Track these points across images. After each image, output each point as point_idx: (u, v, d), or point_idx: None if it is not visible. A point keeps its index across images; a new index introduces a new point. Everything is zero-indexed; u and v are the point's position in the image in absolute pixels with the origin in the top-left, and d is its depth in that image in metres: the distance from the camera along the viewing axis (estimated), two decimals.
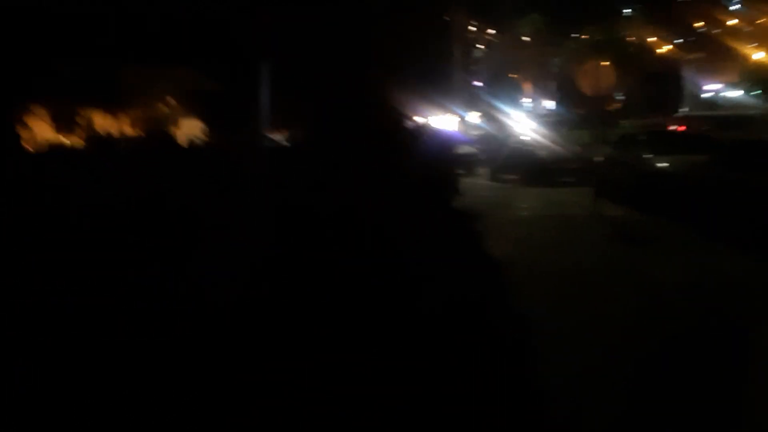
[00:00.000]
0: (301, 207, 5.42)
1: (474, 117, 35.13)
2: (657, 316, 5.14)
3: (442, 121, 27.39)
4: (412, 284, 4.52)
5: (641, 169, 11.87)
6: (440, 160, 6.98)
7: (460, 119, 32.00)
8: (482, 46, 41.61)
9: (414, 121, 8.48)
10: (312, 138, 8.22)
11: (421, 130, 8.18)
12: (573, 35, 34.14)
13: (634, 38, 35.67)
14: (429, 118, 26.49)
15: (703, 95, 33.99)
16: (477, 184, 15.33)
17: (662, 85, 29.71)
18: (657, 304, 5.50)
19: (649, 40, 36.44)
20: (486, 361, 3.64)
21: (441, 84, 21.66)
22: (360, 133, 6.78)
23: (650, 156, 11.87)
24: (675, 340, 4.63)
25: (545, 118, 29.02)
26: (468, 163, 19.14)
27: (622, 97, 31.41)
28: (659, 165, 11.43)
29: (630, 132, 16.28)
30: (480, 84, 40.00)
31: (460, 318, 4.21)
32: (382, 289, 4.29)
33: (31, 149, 6.74)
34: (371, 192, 5.89)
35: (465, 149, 21.84)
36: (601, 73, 10.53)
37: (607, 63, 11.46)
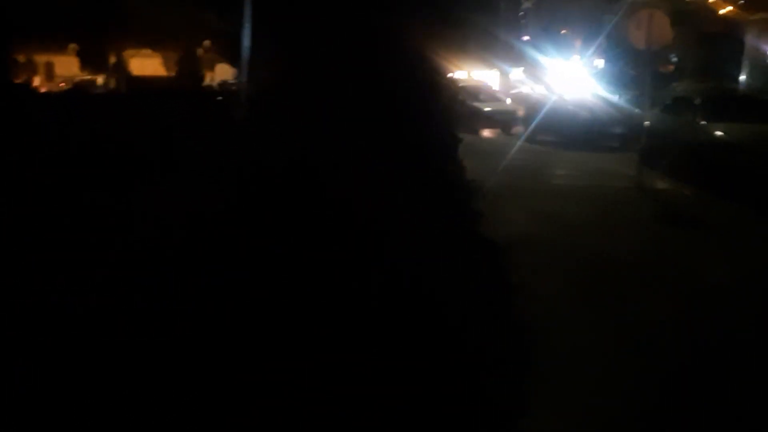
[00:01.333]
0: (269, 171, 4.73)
1: (518, 73, 33.83)
2: (697, 328, 4.12)
3: (483, 76, 26.15)
4: (394, 280, 3.79)
5: (695, 137, 10.62)
6: (454, 121, 6.01)
7: (502, 75, 30.80)
8: None
9: (444, 76, 7.49)
10: (300, 85, 7.42)
11: (451, 87, 7.19)
12: None
13: None
14: (467, 72, 25.28)
15: None
16: (512, 146, 14.27)
17: (720, 48, 27.78)
18: (701, 309, 4.48)
19: None
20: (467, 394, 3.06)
21: (483, 36, 20.50)
22: (366, 82, 5.85)
23: (706, 122, 10.59)
24: (713, 360, 3.67)
25: (594, 76, 27.70)
26: (505, 122, 18.32)
27: (676, 60, 29.60)
28: (716, 133, 10.17)
29: (684, 95, 14.87)
30: (527, 39, 38.45)
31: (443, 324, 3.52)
32: (359, 290, 3.71)
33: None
34: (367, 159, 5.08)
35: (504, 107, 20.84)
36: (655, 24, 9.34)
37: (662, 14, 10.17)
